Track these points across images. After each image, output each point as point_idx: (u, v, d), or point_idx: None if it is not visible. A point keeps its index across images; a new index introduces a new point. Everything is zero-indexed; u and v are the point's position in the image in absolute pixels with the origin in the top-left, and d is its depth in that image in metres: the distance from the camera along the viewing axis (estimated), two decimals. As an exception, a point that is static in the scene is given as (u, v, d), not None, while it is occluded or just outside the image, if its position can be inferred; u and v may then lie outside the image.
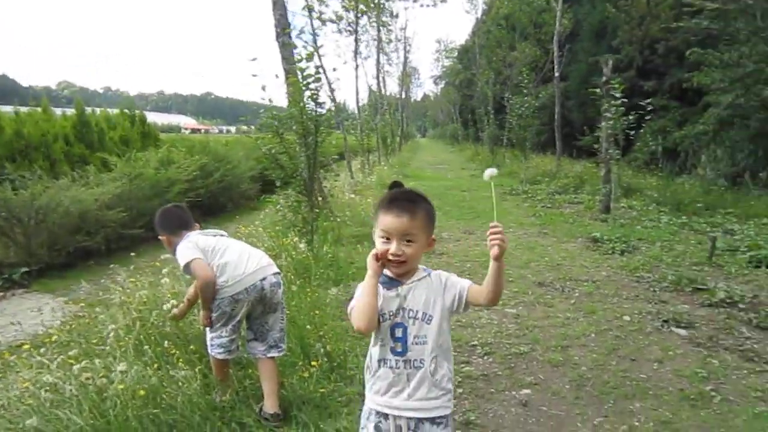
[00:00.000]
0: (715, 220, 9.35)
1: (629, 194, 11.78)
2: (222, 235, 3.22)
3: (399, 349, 1.77)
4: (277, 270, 3.14)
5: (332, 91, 8.67)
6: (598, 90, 9.48)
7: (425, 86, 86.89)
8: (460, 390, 3.49)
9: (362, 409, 1.92)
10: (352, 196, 9.57)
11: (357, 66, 16.09)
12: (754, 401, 3.34)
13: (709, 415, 3.20)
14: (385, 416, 1.80)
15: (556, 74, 18.00)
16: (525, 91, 15.34)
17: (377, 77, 24.06)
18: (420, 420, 1.78)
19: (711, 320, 4.71)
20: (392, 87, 39.17)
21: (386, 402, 1.79)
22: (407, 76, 39.09)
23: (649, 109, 9.47)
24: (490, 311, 4.94)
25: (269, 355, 3.08)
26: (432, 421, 1.78)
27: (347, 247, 6.76)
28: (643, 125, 9.75)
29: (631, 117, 9.19)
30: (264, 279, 3.00)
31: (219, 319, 2.98)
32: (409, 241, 1.74)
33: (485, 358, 3.99)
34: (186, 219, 3.19)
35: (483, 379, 3.66)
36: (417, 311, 1.78)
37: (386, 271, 1.79)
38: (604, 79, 9.88)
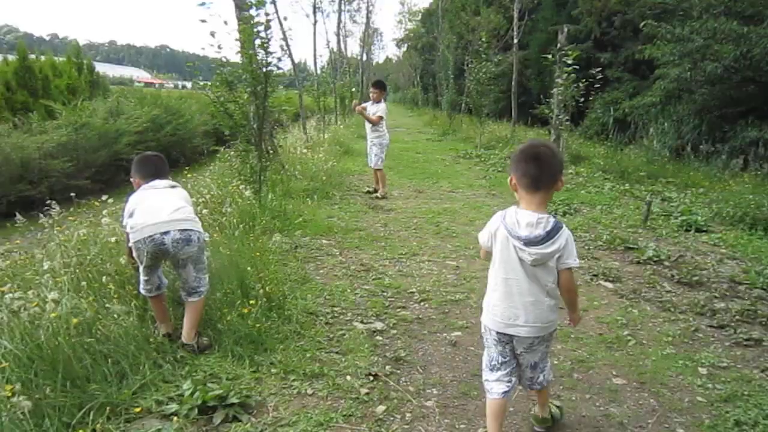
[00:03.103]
0: (655, 188, 9.75)
1: (578, 161, 12.12)
2: (170, 187, 3.23)
3: None
4: (191, 227, 3.07)
5: (286, 41, 8.52)
6: (551, 56, 9.63)
7: (388, 49, 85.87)
8: (395, 331, 3.65)
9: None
10: (305, 151, 9.55)
11: (315, 22, 15.82)
12: (664, 345, 3.61)
13: (622, 355, 3.45)
14: None
15: (515, 41, 18.10)
16: (484, 56, 15.41)
17: (338, 36, 23.67)
18: None
19: (637, 275, 4.99)
20: (354, 48, 38.69)
21: None
22: (369, 37, 38.58)
23: (599, 77, 9.66)
24: (431, 263, 5.10)
25: (189, 299, 3.17)
26: None
27: (296, 200, 6.80)
28: (592, 94, 9.97)
29: (581, 85, 9.39)
30: (166, 233, 2.96)
31: (136, 259, 3.09)
32: None
33: (422, 303, 4.15)
34: (158, 169, 3.34)
35: (417, 322, 3.82)
36: None
37: None
38: (558, 46, 10.05)
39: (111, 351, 2.76)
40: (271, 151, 6.89)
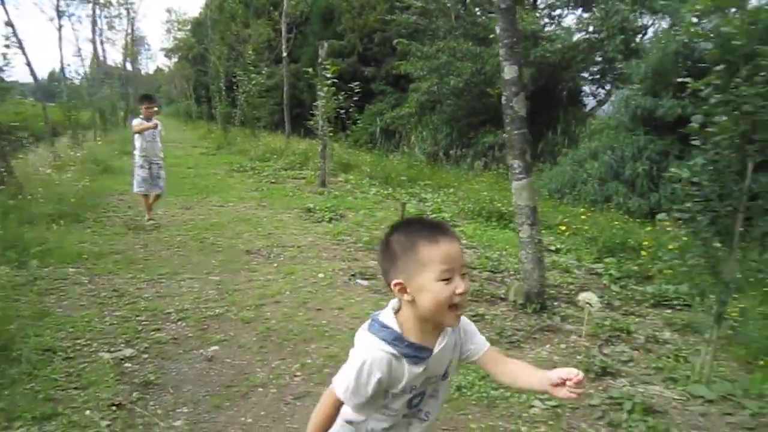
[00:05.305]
0: (414, 190, 10.76)
1: (347, 169, 12.80)
2: None
3: (411, 409, 1.50)
4: None
5: (22, 48, 7.59)
6: (310, 70, 10.07)
7: (158, 59, 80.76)
8: (146, 355, 3.50)
9: None
10: (49, 172, 8.58)
11: (61, 26, 14.30)
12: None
13: (370, 346, 3.77)
14: None
15: (284, 54, 18.47)
16: (252, 69, 15.47)
17: (94, 43, 21.67)
18: None
19: (390, 271, 5.47)
20: (118, 57, 35.75)
21: None
22: (133, 45, 35.98)
23: (357, 91, 10.36)
24: (193, 280, 4.98)
25: None
26: None
27: (39, 226, 6.10)
28: (352, 106, 10.64)
29: (341, 97, 9.97)
30: None
31: None
32: (464, 273, 1.38)
33: (178, 323, 4.04)
34: None
35: (172, 342, 3.72)
36: (438, 375, 1.50)
37: (409, 338, 1.39)
38: (319, 61, 10.54)
39: None
40: (3, 173, 6.06)
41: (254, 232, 6.85)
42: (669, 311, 4.70)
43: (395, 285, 1.37)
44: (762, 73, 3.07)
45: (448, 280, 1.32)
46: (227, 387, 3.16)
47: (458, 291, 1.33)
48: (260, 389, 3.15)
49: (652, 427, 2.86)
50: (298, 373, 3.34)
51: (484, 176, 11.67)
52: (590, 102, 17.79)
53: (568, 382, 1.34)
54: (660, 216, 3.70)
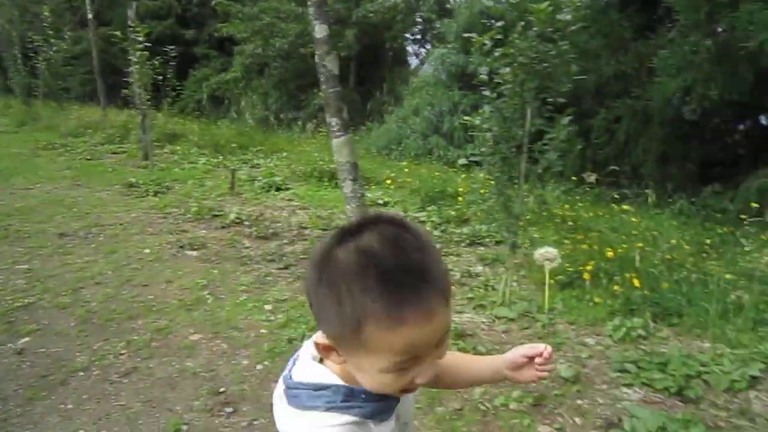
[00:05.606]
0: (246, 157, 10.56)
1: (174, 140, 12.11)
2: None
3: None
4: None
5: None
6: (119, 33, 9.28)
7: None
8: (-60, 359, 3.14)
9: None
10: None
11: None
12: (239, 294, 4.06)
13: (201, 314, 3.74)
14: None
15: (90, 16, 16.68)
16: (52, 33, 13.82)
17: None
18: None
19: (221, 239, 5.40)
20: None
21: None
22: None
23: (173, 55, 9.78)
24: (-6, 271, 4.50)
25: None
26: None
27: None
28: (171, 71, 10.04)
29: (156, 62, 9.35)
30: None
31: None
32: (438, 344, 0.80)
33: (-22, 320, 3.65)
34: None
35: (-29, 341, 3.37)
36: (410, 420, 1.02)
37: (359, 387, 0.83)
38: (129, 23, 9.74)
39: None
40: None
41: (68, 214, 6.28)
42: (482, 248, 5.24)
43: (318, 345, 0.84)
44: (534, 28, 3.48)
45: (405, 369, 0.79)
46: (42, 377, 2.96)
47: (418, 381, 0.82)
48: (81, 373, 3.00)
49: (462, 348, 3.23)
50: (123, 351, 3.23)
51: (316, 138, 11.76)
52: (414, 62, 18.63)
53: (537, 359, 1.02)
54: (460, 161, 4.08)
